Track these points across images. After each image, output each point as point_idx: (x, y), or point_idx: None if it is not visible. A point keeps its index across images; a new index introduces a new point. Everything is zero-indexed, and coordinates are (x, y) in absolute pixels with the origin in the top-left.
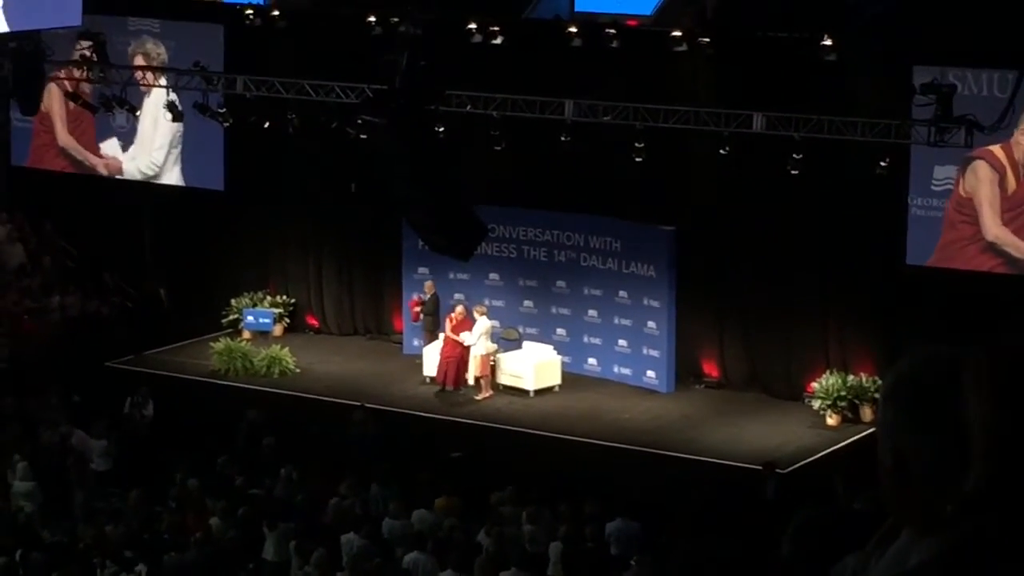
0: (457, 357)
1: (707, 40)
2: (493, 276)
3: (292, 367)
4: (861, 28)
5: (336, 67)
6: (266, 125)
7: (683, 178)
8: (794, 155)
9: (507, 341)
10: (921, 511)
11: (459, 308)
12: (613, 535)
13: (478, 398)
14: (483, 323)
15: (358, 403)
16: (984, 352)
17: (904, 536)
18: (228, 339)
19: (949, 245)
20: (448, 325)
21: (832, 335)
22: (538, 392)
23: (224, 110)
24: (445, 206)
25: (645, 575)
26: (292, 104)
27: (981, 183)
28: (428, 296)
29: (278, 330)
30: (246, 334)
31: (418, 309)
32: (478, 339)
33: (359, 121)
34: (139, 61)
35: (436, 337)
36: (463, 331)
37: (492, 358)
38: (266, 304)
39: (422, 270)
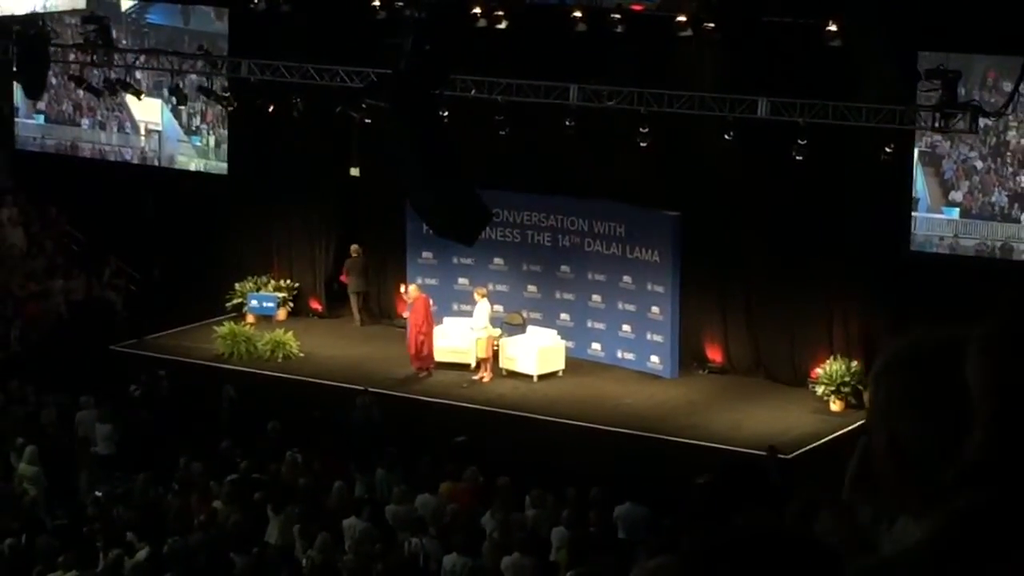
0: (410, 338)
1: (712, 25)
2: (497, 261)
3: (296, 351)
4: (866, 13)
5: (341, 51)
6: (270, 109)
7: (687, 163)
8: (799, 141)
9: (511, 326)
10: (918, 494)
11: (412, 287)
12: (621, 518)
13: (474, 378)
14: (484, 306)
15: (362, 387)
16: (994, 319)
17: (901, 521)
18: (232, 323)
19: None
20: (403, 305)
21: (836, 321)
22: (542, 377)
23: (228, 94)
24: (449, 190)
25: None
26: (296, 88)
27: None
28: (353, 256)
29: (282, 314)
30: (250, 318)
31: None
32: (483, 322)
33: (363, 105)
34: None
35: (360, 299)
36: (417, 311)
37: (495, 342)
38: (270, 288)
39: (426, 254)
